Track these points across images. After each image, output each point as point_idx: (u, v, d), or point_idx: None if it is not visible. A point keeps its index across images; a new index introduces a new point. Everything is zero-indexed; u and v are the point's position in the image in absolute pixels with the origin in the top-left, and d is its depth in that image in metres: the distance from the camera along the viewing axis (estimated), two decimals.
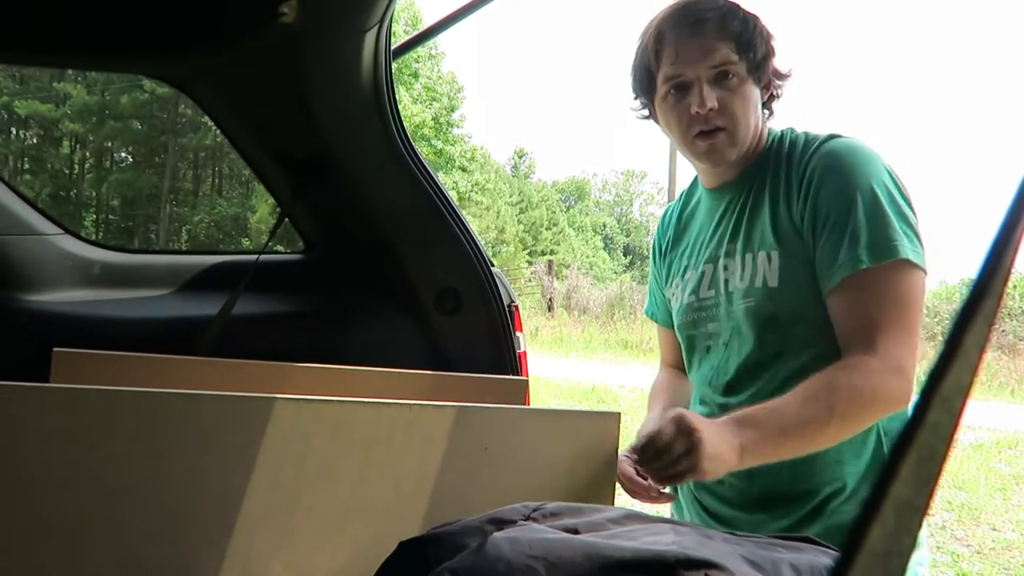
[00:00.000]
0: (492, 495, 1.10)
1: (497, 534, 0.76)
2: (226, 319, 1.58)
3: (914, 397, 1.08)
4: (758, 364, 1.23)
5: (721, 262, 1.29)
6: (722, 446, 1.03)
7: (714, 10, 1.22)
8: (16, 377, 1.02)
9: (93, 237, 5.65)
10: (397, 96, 1.68)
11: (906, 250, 1.11)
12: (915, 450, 0.29)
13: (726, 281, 1.28)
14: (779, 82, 1.30)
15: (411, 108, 21.04)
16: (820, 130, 1.30)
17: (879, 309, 1.11)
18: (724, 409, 1.20)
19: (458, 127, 24.07)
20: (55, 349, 1.33)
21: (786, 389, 1.11)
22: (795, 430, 1.08)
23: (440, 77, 23.59)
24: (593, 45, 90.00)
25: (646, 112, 1.35)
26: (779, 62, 1.29)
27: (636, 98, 1.35)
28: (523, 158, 46.75)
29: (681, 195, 1.49)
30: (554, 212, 40.92)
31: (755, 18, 1.25)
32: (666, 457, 1.03)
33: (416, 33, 1.94)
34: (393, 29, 1.60)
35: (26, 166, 22.48)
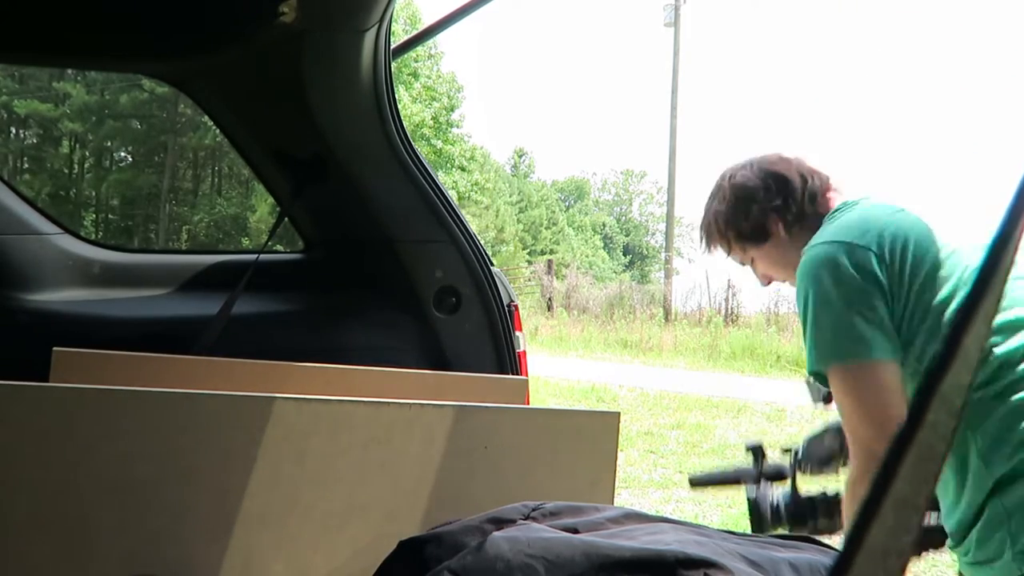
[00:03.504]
0: (492, 494, 1.10)
1: (496, 533, 0.76)
2: (226, 319, 1.58)
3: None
4: None
5: None
6: None
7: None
8: (16, 377, 1.02)
9: (93, 237, 5.62)
10: (397, 96, 1.68)
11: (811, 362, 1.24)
12: (915, 449, 0.29)
13: None
14: (794, 199, 1.40)
15: (411, 108, 21.03)
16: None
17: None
18: None
19: (458, 127, 24.07)
20: (55, 349, 1.33)
21: None
22: None
23: (440, 77, 23.58)
24: (593, 45, 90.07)
25: None
26: (780, 189, 1.42)
27: None
28: (523, 158, 46.73)
29: None
30: (553, 211, 40.92)
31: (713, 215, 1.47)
32: None
33: (416, 32, 1.94)
34: (392, 28, 1.60)
35: (25, 165, 22.46)
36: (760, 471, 1.53)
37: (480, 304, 1.75)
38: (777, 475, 1.53)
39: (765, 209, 1.40)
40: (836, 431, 1.48)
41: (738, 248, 1.46)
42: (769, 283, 1.50)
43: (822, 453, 1.51)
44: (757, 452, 1.55)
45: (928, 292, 1.19)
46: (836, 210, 1.37)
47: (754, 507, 1.48)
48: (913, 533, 0.31)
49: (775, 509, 1.46)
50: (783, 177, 1.41)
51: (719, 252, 1.50)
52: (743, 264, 1.49)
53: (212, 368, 1.40)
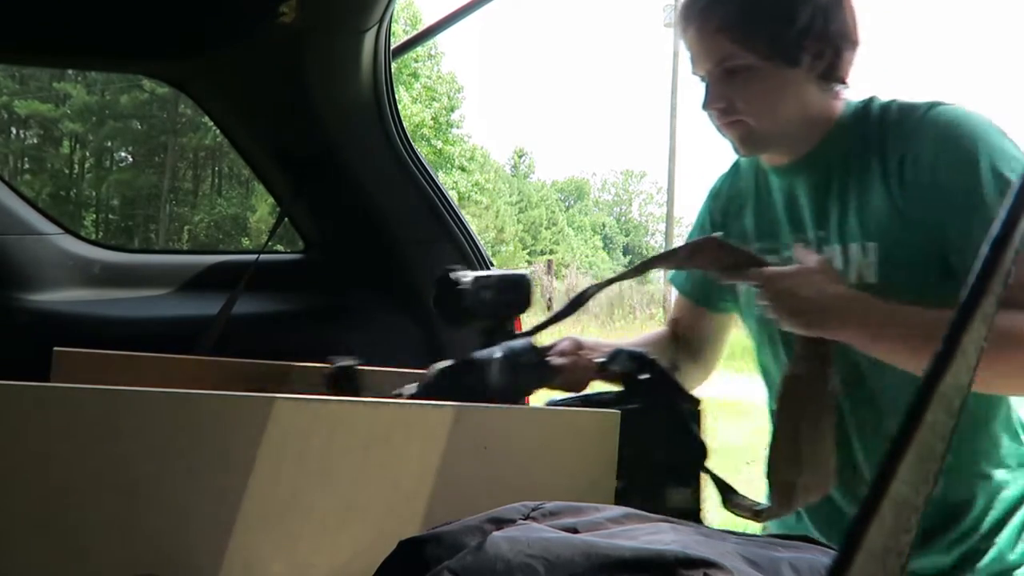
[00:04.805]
0: (492, 494, 1.10)
1: (496, 533, 0.76)
2: (226, 319, 1.58)
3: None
4: (863, 363, 1.09)
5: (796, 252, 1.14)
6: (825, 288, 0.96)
7: None
8: (16, 377, 1.02)
9: (93, 237, 5.63)
10: (397, 96, 1.69)
11: None
12: (914, 449, 0.29)
13: None
14: (841, 49, 1.07)
15: (411, 108, 21.02)
16: (911, 97, 1.09)
17: None
18: None
19: (458, 127, 24.08)
20: (56, 349, 1.33)
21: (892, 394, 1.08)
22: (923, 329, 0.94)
23: (440, 77, 23.59)
24: (593, 45, 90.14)
25: None
26: (838, 25, 1.06)
27: None
28: (523, 158, 46.70)
29: (733, 165, 1.31)
30: (553, 212, 40.91)
31: None
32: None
33: (416, 33, 1.94)
34: (393, 29, 1.60)
35: (26, 166, 22.47)
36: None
37: None
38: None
39: (816, 31, 1.04)
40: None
41: (733, 48, 1.06)
42: (712, 108, 1.11)
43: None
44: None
45: None
46: (875, 102, 1.10)
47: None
48: (912, 533, 0.31)
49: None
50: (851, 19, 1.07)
51: (693, 34, 1.09)
52: (701, 73, 1.12)
53: (212, 368, 1.40)
